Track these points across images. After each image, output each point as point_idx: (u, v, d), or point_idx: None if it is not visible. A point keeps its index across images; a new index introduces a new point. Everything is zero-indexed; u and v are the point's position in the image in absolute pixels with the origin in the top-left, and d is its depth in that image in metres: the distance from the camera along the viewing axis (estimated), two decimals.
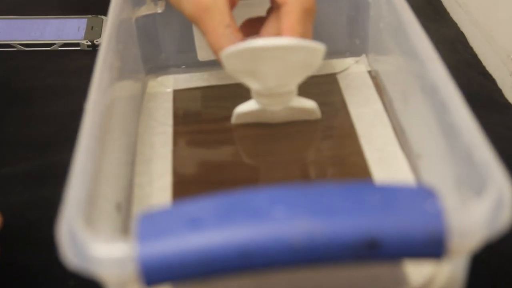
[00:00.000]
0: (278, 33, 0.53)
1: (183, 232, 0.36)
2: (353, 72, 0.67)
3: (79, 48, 0.79)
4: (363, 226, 0.36)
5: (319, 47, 0.51)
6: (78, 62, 0.78)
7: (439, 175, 0.48)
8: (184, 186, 0.55)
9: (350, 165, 0.56)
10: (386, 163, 0.56)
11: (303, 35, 0.52)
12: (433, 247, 0.36)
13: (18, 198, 0.60)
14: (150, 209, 0.39)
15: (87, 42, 0.79)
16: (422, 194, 0.37)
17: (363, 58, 0.68)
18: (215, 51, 0.53)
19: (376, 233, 0.36)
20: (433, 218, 0.36)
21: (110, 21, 0.58)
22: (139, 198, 0.54)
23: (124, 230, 0.50)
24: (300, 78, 0.54)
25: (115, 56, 0.55)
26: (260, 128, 0.59)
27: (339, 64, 0.68)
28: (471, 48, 0.79)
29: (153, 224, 0.37)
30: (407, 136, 0.56)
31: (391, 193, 0.37)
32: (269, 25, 0.55)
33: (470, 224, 0.37)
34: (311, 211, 0.36)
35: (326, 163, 0.56)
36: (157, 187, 0.55)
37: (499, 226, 0.37)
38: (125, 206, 0.51)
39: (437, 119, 0.48)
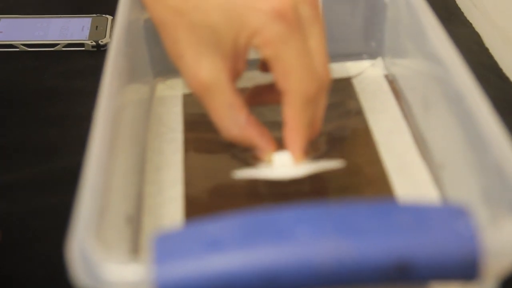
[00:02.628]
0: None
1: (202, 254, 0.34)
2: (369, 76, 0.65)
3: (83, 48, 0.77)
4: (394, 248, 0.34)
5: (336, 165, 0.50)
6: (83, 63, 0.76)
7: (465, 188, 0.46)
8: (196, 196, 0.53)
9: (369, 175, 0.54)
10: (406, 173, 0.54)
11: (309, 123, 0.50)
12: (466, 270, 0.35)
13: (22, 207, 0.58)
14: (166, 228, 0.36)
15: (91, 42, 0.77)
16: (454, 212, 0.35)
17: (379, 61, 0.66)
18: (219, 129, 0.51)
19: (408, 256, 0.34)
20: (467, 239, 0.34)
21: (118, 22, 0.56)
22: (149, 209, 0.52)
23: (135, 242, 0.48)
24: None
25: (124, 59, 0.53)
26: (274, 138, 0.56)
27: (354, 67, 0.66)
28: (487, 49, 0.76)
29: (170, 245, 0.35)
30: (428, 145, 0.54)
31: (422, 212, 0.35)
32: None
33: (506, 245, 0.35)
34: (337, 232, 0.34)
35: (342, 172, 0.53)
36: (168, 196, 0.53)
37: None
38: (135, 217, 0.49)
39: (462, 128, 0.46)
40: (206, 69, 0.48)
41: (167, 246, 0.35)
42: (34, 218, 0.57)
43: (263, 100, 0.54)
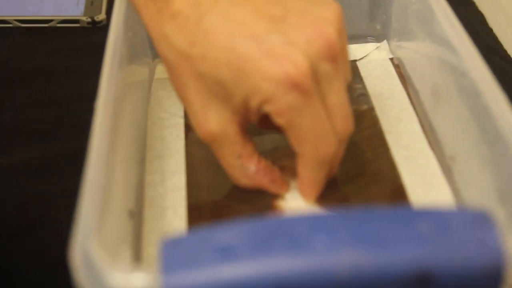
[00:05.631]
0: None
1: (213, 262, 0.33)
2: (374, 59, 0.63)
3: (78, 25, 0.75)
4: (415, 259, 0.32)
5: None
6: (78, 41, 0.73)
7: (477, 184, 0.45)
8: (199, 185, 0.51)
9: (376, 165, 0.52)
10: (415, 163, 0.52)
11: (324, 178, 0.47)
12: (490, 281, 0.33)
13: (16, 194, 0.56)
14: (174, 234, 0.35)
15: (87, 18, 0.75)
16: (478, 220, 0.34)
17: (384, 44, 0.64)
18: (229, 177, 0.49)
19: (429, 267, 0.32)
20: (492, 249, 0.33)
21: (117, 1, 0.54)
22: (151, 200, 0.50)
23: (137, 236, 0.46)
24: None
25: (124, 42, 0.51)
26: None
27: (359, 50, 0.64)
28: (490, 30, 0.75)
29: (178, 252, 0.33)
30: (438, 136, 0.53)
31: (443, 219, 0.34)
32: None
33: None
34: (356, 241, 0.33)
35: (349, 162, 0.52)
36: (170, 186, 0.51)
37: None
38: (137, 209, 0.48)
39: (478, 124, 0.45)
40: (214, 120, 0.45)
41: (175, 254, 0.33)
42: (28, 206, 0.55)
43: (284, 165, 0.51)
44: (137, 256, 0.45)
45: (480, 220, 0.34)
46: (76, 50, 0.72)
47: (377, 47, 0.65)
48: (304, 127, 0.43)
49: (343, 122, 0.45)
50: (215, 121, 0.45)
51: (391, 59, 0.63)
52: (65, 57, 0.71)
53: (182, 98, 0.47)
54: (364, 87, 0.60)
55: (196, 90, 0.45)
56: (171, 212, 0.49)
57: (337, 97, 0.44)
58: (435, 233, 0.33)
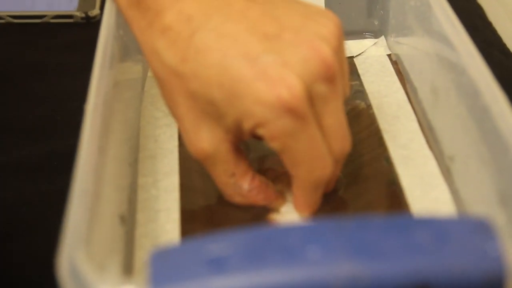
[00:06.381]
0: None
1: (203, 274, 0.32)
2: (372, 56, 0.62)
3: (72, 20, 0.74)
4: (413, 270, 0.31)
5: None
6: (72, 36, 0.73)
7: (477, 186, 0.44)
8: (193, 187, 0.50)
9: (372, 164, 0.51)
10: (413, 163, 0.51)
11: (317, 201, 0.46)
12: None
13: (9, 194, 0.55)
14: (163, 245, 0.34)
15: (80, 14, 0.74)
16: (478, 229, 0.33)
17: (381, 40, 0.63)
18: (222, 194, 0.48)
19: (428, 278, 0.32)
20: (492, 260, 0.32)
21: None
22: (143, 203, 0.49)
23: (129, 241, 0.45)
24: None
25: (115, 39, 0.51)
26: None
27: (356, 46, 0.63)
28: (490, 23, 0.74)
29: (168, 264, 0.32)
30: (437, 135, 0.52)
31: (443, 228, 0.33)
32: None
33: None
34: (351, 252, 0.32)
35: (347, 165, 0.51)
36: (163, 188, 0.50)
37: None
38: (129, 213, 0.47)
39: (476, 122, 0.44)
40: (206, 138, 0.44)
41: (164, 266, 0.32)
42: (21, 206, 0.54)
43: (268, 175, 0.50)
44: (129, 262, 0.44)
45: (480, 229, 0.33)
46: (70, 46, 0.71)
47: (374, 43, 0.64)
48: (299, 151, 0.42)
49: (340, 142, 0.44)
50: (207, 140, 0.44)
51: (389, 56, 0.62)
52: (58, 53, 0.70)
53: (174, 114, 0.45)
54: (361, 84, 0.59)
55: (188, 107, 0.43)
56: (164, 215, 0.48)
57: (334, 118, 0.43)
58: (434, 243, 0.32)
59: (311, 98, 0.41)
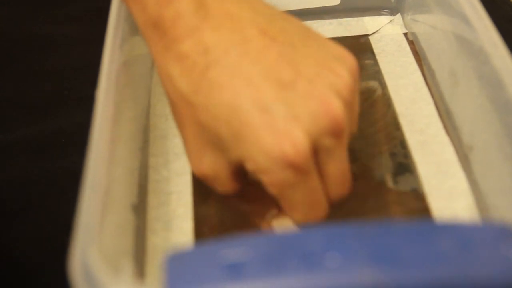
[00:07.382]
0: None
1: (220, 280, 0.31)
2: (387, 34, 0.60)
3: None
4: (436, 279, 0.30)
5: None
6: (79, 7, 0.71)
7: (497, 179, 0.43)
8: None
9: (388, 150, 0.50)
10: (430, 150, 0.50)
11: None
12: None
13: (14, 173, 0.54)
14: (179, 248, 0.33)
15: None
16: (502, 236, 0.32)
17: (397, 18, 0.62)
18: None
19: (451, 287, 0.30)
20: None
21: None
22: (155, 185, 0.48)
23: (142, 229, 0.44)
24: None
25: (127, 14, 0.49)
26: None
27: (371, 23, 0.62)
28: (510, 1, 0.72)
29: (184, 269, 0.31)
30: (455, 121, 0.50)
31: (466, 235, 0.32)
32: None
33: None
34: (372, 259, 0.31)
35: (359, 147, 0.49)
36: (175, 170, 0.49)
37: None
38: (140, 198, 0.46)
39: (499, 115, 0.42)
40: (207, 164, 0.44)
41: (180, 270, 0.31)
42: (28, 185, 0.53)
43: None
44: (142, 247, 0.43)
45: (504, 236, 0.32)
46: (77, 17, 0.69)
47: (390, 21, 0.62)
48: (296, 200, 0.42)
49: (339, 188, 0.44)
50: (209, 165, 0.44)
51: (405, 34, 0.60)
52: (65, 25, 0.68)
53: (180, 133, 0.45)
54: (376, 63, 0.58)
55: (194, 133, 0.43)
56: (176, 198, 0.47)
57: (336, 167, 0.43)
58: (458, 251, 0.31)
59: (315, 150, 0.41)
